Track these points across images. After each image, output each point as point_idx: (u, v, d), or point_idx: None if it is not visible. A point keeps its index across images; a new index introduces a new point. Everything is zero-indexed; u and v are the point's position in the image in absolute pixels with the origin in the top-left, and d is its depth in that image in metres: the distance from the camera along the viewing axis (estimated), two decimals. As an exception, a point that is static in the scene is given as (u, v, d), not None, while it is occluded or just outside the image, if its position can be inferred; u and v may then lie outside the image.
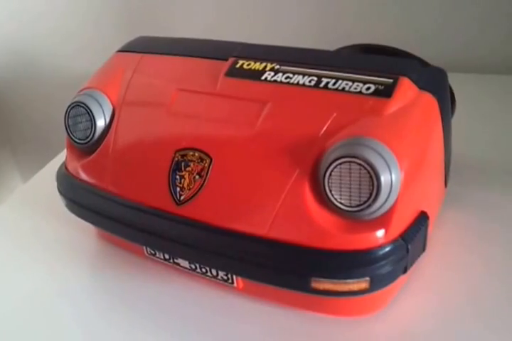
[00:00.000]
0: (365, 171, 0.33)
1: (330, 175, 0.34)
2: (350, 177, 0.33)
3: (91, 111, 0.44)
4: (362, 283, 0.34)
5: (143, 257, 0.45)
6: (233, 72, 0.41)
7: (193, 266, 0.41)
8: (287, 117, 0.37)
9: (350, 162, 0.33)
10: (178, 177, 0.39)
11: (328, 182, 0.34)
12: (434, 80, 0.38)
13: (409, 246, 0.35)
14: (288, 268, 0.35)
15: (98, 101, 0.44)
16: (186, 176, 0.39)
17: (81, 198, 0.44)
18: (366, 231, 0.34)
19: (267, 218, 0.36)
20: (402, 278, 0.37)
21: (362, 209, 0.33)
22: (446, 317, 0.38)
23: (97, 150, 0.44)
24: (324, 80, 0.38)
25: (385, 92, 0.36)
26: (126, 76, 0.45)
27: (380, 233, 0.34)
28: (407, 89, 0.36)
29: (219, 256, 0.37)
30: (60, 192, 0.46)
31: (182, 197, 0.39)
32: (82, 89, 0.46)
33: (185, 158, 0.39)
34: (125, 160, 0.42)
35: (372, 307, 0.39)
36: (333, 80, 0.38)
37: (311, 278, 0.34)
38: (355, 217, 0.34)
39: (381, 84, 0.36)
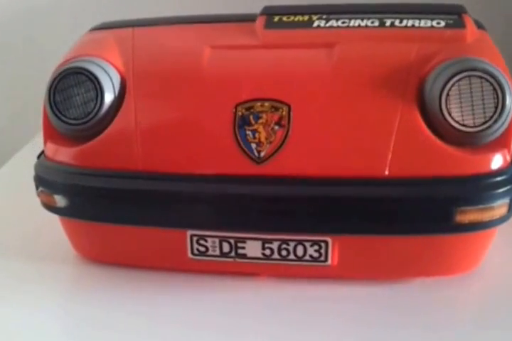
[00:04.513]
0: (487, 83, 0.30)
1: (447, 95, 0.31)
2: (471, 93, 0.31)
3: (96, 78, 0.34)
4: (503, 207, 0.31)
5: (182, 263, 0.34)
6: (273, 25, 0.37)
7: (268, 252, 0.32)
8: (364, 54, 0.34)
9: (469, 76, 0.30)
10: (249, 132, 0.32)
11: (447, 104, 0.31)
12: (480, 24, 0.38)
13: None
14: (428, 206, 0.30)
15: (104, 68, 0.35)
16: (261, 129, 0.32)
17: (100, 189, 0.32)
18: (493, 152, 0.31)
19: (382, 158, 0.31)
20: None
21: (488, 127, 0.31)
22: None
23: (109, 128, 0.34)
24: (388, 21, 0.36)
25: (458, 24, 0.35)
26: (126, 45, 0.37)
27: (505, 154, 0.31)
28: (472, 23, 0.36)
29: (329, 213, 0.30)
30: (59, 193, 0.33)
31: (262, 154, 0.31)
32: (68, 59, 0.36)
33: (251, 110, 0.32)
34: (163, 132, 0.33)
35: (471, 263, 0.35)
36: (398, 19, 0.36)
37: (456, 210, 0.30)
38: (474, 140, 0.31)
39: (448, 19, 0.36)
